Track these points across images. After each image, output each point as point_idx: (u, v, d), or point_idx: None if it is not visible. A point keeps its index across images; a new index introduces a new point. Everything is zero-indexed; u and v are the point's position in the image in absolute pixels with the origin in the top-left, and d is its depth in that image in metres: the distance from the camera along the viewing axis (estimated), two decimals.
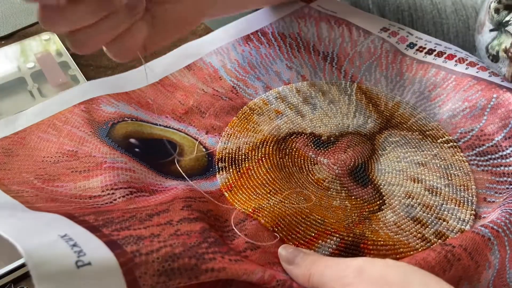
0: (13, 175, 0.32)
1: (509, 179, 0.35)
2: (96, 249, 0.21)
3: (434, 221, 0.32)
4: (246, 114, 0.40)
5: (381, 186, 0.35)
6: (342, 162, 0.36)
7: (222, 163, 0.36)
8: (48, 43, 0.47)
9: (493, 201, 0.34)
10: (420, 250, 0.31)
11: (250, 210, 0.32)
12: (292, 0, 0.50)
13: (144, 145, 0.35)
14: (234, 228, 0.30)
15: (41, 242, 0.20)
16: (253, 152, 0.36)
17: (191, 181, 0.34)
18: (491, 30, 0.42)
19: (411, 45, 0.45)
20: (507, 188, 0.35)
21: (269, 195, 0.33)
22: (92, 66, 0.45)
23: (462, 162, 0.37)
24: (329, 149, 0.37)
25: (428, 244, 0.31)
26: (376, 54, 0.45)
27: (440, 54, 0.43)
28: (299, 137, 0.38)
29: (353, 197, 0.34)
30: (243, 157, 0.36)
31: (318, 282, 0.25)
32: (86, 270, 0.20)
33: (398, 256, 0.30)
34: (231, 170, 0.35)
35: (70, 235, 0.22)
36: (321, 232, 0.31)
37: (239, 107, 0.41)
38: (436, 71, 0.42)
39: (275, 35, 0.47)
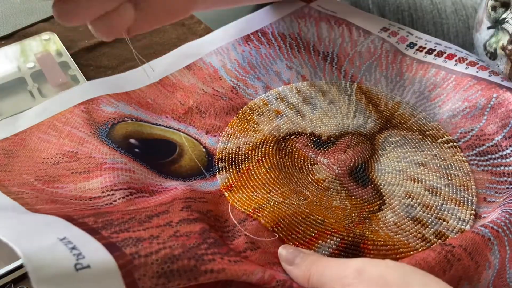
0: (13, 177, 0.32)
1: (509, 179, 0.35)
2: (95, 252, 0.21)
3: (434, 221, 0.32)
4: (246, 114, 0.40)
5: (381, 186, 0.35)
6: (342, 162, 0.36)
7: (222, 163, 0.36)
8: (48, 43, 0.47)
9: (493, 201, 0.34)
10: (420, 250, 0.31)
11: (250, 210, 0.32)
12: None
13: (144, 145, 0.35)
14: (233, 220, 0.30)
15: (40, 245, 0.20)
16: (253, 152, 0.36)
17: (191, 181, 0.34)
18: (488, 28, 0.42)
19: (411, 45, 0.45)
20: (507, 188, 0.35)
21: (269, 195, 0.33)
22: (92, 66, 0.45)
23: (462, 162, 0.37)
24: (329, 149, 0.37)
25: (428, 244, 0.31)
26: (376, 54, 0.45)
27: (440, 54, 0.43)
28: (299, 137, 0.38)
29: (353, 197, 0.34)
30: (243, 157, 0.36)
31: (318, 282, 0.25)
32: (85, 273, 0.20)
33: (398, 256, 0.30)
34: (231, 170, 0.35)
35: (69, 238, 0.22)
36: (321, 232, 0.31)
37: (239, 107, 0.41)
38: (436, 71, 0.42)
39: (275, 35, 0.47)
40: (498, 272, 0.29)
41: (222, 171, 0.35)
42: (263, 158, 0.36)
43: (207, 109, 0.40)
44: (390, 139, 0.39)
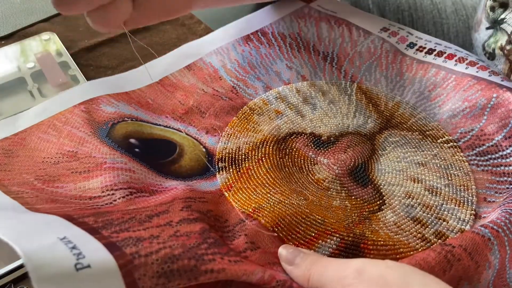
0: (13, 176, 0.32)
1: (509, 178, 0.35)
2: (95, 252, 0.21)
3: (434, 221, 0.32)
4: (246, 114, 0.40)
5: (381, 186, 0.35)
6: (342, 162, 0.36)
7: (222, 163, 0.36)
8: (48, 43, 0.47)
9: (493, 201, 0.34)
10: (420, 250, 0.31)
11: (250, 210, 0.32)
12: None
13: (144, 145, 0.35)
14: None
15: (40, 244, 0.20)
16: (253, 152, 0.36)
17: (191, 181, 0.34)
18: (487, 28, 0.42)
19: (411, 45, 0.45)
20: (507, 188, 0.35)
21: (269, 195, 0.33)
22: (92, 66, 0.45)
23: (462, 162, 0.37)
24: (329, 149, 0.37)
25: (428, 244, 0.31)
26: (376, 54, 0.45)
27: (440, 54, 0.43)
28: (299, 137, 0.38)
29: (353, 197, 0.34)
30: (243, 157, 0.36)
31: (318, 282, 0.25)
32: (86, 272, 0.20)
33: (398, 256, 0.30)
34: (231, 170, 0.35)
35: (69, 238, 0.22)
36: (321, 232, 0.31)
37: (239, 107, 0.41)
38: (436, 71, 0.42)
39: (275, 35, 0.47)
40: (498, 272, 0.29)
41: (222, 171, 0.35)
42: (263, 158, 0.36)
43: (207, 109, 0.40)
44: (390, 139, 0.39)
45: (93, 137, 0.35)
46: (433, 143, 0.38)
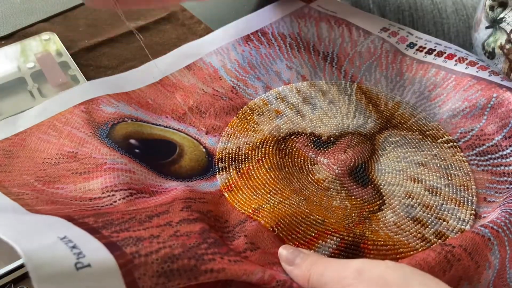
0: (13, 177, 0.32)
1: (509, 178, 0.35)
2: (95, 251, 0.21)
3: (434, 221, 0.32)
4: (246, 114, 0.40)
5: (381, 186, 0.35)
6: (342, 162, 0.36)
7: (222, 163, 0.36)
8: (48, 43, 0.47)
9: (493, 201, 0.34)
10: (420, 250, 0.31)
11: (250, 211, 0.32)
12: None
13: (144, 145, 0.35)
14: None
15: (41, 244, 0.20)
16: (253, 152, 0.36)
17: (191, 182, 0.34)
18: (486, 28, 0.42)
19: (411, 45, 0.45)
20: (507, 187, 0.35)
21: (269, 195, 0.33)
22: (92, 66, 0.45)
23: (462, 162, 0.37)
24: (329, 149, 0.37)
25: (428, 244, 0.31)
26: (376, 54, 0.45)
27: (440, 54, 0.43)
28: (299, 137, 0.38)
29: (353, 197, 0.34)
30: (243, 157, 0.36)
31: (318, 283, 0.25)
32: (86, 272, 0.20)
33: (398, 256, 0.30)
34: (231, 171, 0.35)
35: (69, 237, 0.22)
36: (321, 232, 0.31)
37: (239, 107, 0.41)
38: (436, 71, 0.42)
39: (275, 35, 0.47)
40: (498, 272, 0.29)
41: (222, 171, 0.35)
42: (263, 158, 0.36)
43: (207, 109, 0.40)
44: (390, 139, 0.39)
45: (93, 137, 0.35)
46: (433, 143, 0.38)
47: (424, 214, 0.33)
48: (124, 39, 0.48)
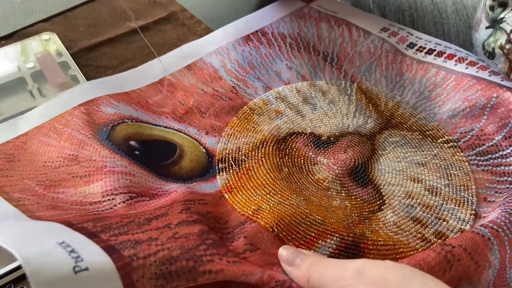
0: (14, 182, 0.32)
1: (509, 178, 0.35)
2: (93, 255, 0.21)
3: (434, 221, 0.32)
4: (246, 114, 0.40)
5: (381, 186, 0.35)
6: (342, 162, 0.36)
7: (222, 164, 0.36)
8: (48, 43, 0.47)
9: (493, 201, 0.34)
10: (420, 250, 0.31)
11: (250, 212, 0.32)
12: None
13: (144, 147, 0.35)
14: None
15: (39, 249, 0.21)
16: (253, 152, 0.36)
17: (191, 183, 0.34)
18: (487, 28, 0.42)
19: (411, 45, 0.45)
20: (507, 187, 0.35)
21: (269, 196, 0.33)
22: (92, 66, 0.45)
23: (462, 162, 0.37)
24: (329, 149, 0.37)
25: (428, 244, 0.31)
26: (376, 54, 0.45)
27: (440, 54, 0.43)
28: (299, 137, 0.38)
29: (353, 197, 0.34)
30: (243, 157, 0.36)
31: (318, 283, 0.25)
32: (84, 275, 0.20)
33: (398, 256, 0.30)
34: (231, 171, 0.35)
35: (67, 242, 0.22)
36: (321, 232, 0.31)
37: (239, 107, 0.40)
38: (436, 71, 0.42)
39: (275, 35, 0.47)
40: (498, 272, 0.29)
41: (222, 172, 0.35)
42: (263, 158, 0.36)
43: (207, 109, 0.40)
44: (390, 139, 0.39)
45: (93, 139, 0.35)
46: (433, 143, 0.38)
47: (424, 214, 0.33)
48: (124, 39, 0.48)
